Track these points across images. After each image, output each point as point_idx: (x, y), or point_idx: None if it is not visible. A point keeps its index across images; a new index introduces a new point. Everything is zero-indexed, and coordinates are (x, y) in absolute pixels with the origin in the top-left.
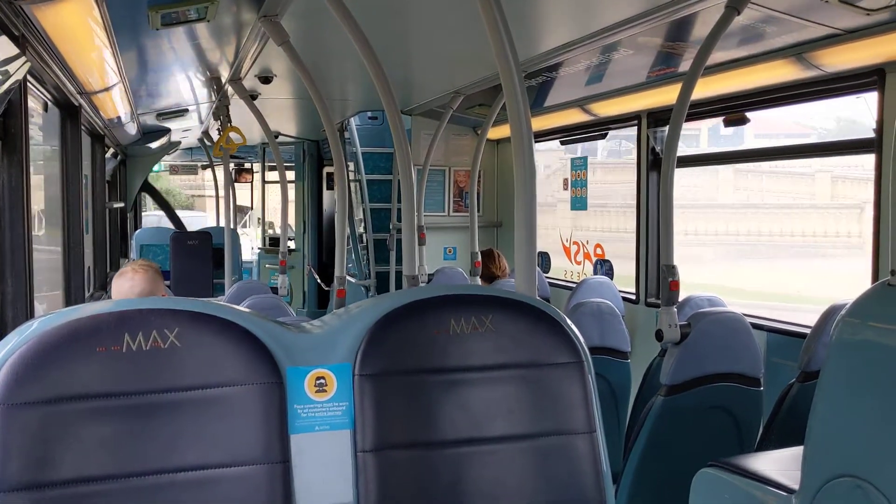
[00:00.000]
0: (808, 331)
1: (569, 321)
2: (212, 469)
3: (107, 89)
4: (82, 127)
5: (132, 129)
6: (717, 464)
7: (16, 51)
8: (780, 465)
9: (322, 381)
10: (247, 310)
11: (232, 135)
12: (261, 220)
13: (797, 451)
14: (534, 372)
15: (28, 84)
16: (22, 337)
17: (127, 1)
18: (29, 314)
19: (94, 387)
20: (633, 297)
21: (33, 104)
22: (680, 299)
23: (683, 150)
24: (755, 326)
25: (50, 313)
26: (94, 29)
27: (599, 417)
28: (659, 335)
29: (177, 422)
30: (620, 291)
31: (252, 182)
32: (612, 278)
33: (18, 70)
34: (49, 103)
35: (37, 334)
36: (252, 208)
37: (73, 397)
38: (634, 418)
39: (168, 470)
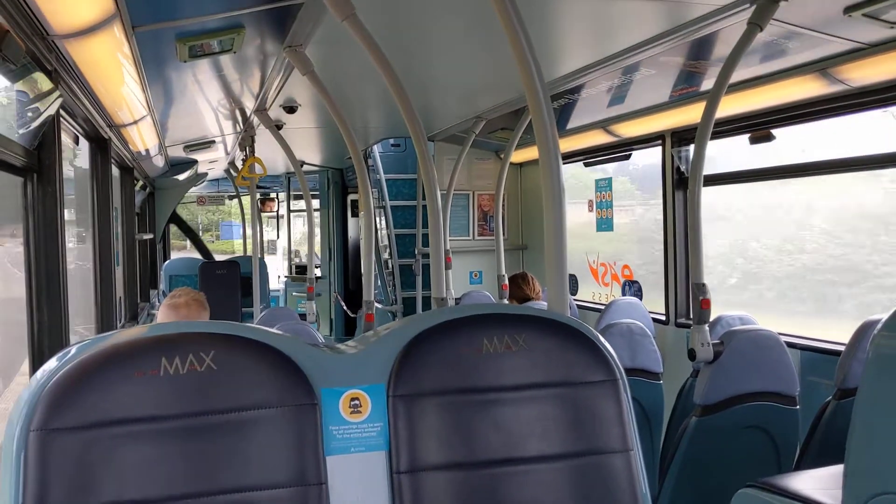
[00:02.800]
0: (842, 348)
1: (602, 339)
2: (249, 492)
3: (135, 122)
4: (112, 160)
5: (160, 161)
6: (757, 484)
7: (49, 85)
8: (820, 484)
9: (357, 402)
10: (281, 332)
11: (256, 165)
12: (287, 249)
13: (837, 469)
14: (568, 390)
15: (60, 118)
16: (61, 362)
17: (155, 34)
18: (65, 343)
19: (132, 411)
20: (663, 318)
21: (65, 138)
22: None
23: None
24: (788, 344)
25: (87, 338)
26: (123, 63)
27: (636, 436)
28: (691, 354)
29: (214, 445)
30: (650, 312)
31: (277, 211)
32: (641, 299)
33: (52, 104)
34: (80, 136)
35: (75, 360)
36: (278, 237)
37: (111, 422)
38: (669, 440)
39: (206, 493)
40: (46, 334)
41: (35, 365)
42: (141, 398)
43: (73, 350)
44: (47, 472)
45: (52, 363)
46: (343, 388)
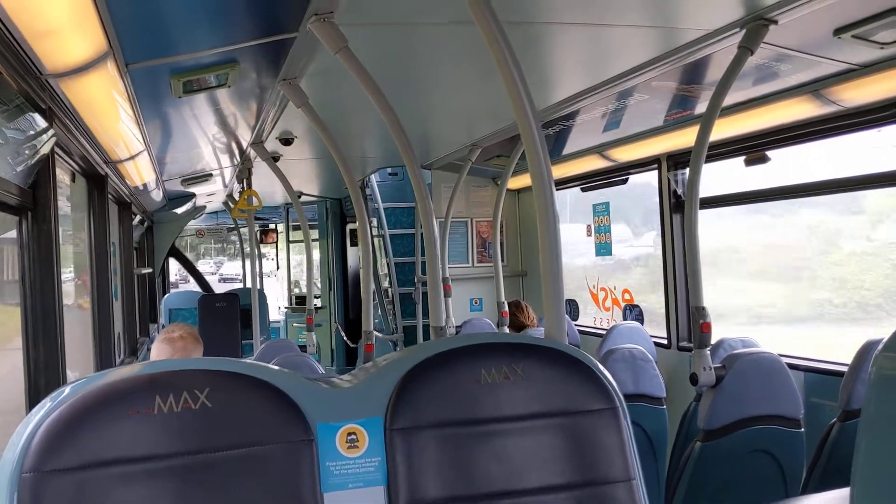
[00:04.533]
0: (845, 368)
1: (600, 366)
2: None
3: (132, 158)
4: (109, 195)
5: (158, 195)
6: None
7: (44, 124)
8: None
9: (353, 436)
10: (275, 367)
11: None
12: (286, 280)
13: (844, 492)
14: (568, 420)
15: (56, 155)
16: (55, 403)
17: (149, 71)
18: (62, 381)
19: (127, 451)
20: (665, 342)
21: (61, 175)
22: (712, 341)
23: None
24: (791, 366)
25: (81, 378)
26: (117, 100)
27: (638, 465)
28: (693, 379)
29: (210, 483)
30: (651, 336)
31: (277, 242)
32: (642, 323)
33: (46, 143)
34: (76, 174)
35: (69, 400)
36: (278, 268)
37: (106, 462)
38: (674, 466)
39: None
40: (42, 372)
41: (31, 404)
42: (135, 438)
43: (67, 390)
44: None
45: (45, 403)
46: (339, 423)
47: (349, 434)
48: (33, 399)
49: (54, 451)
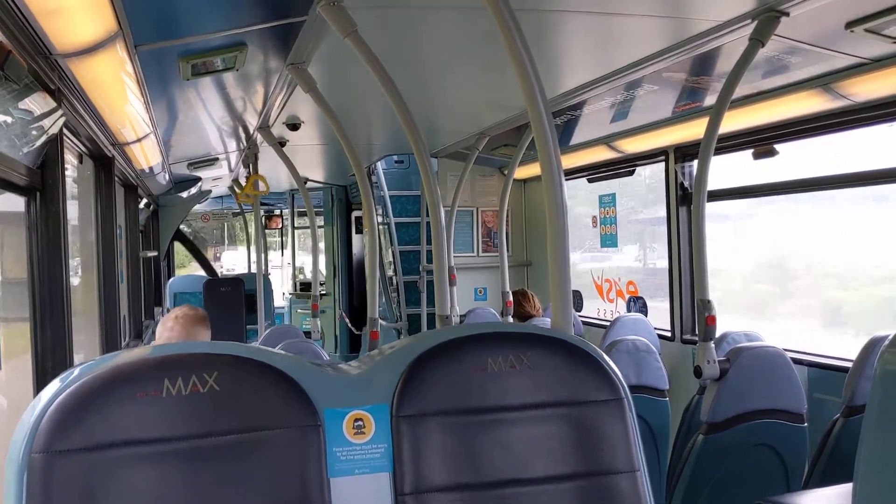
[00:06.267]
0: (849, 364)
1: (607, 357)
2: None
3: (139, 140)
4: (115, 178)
5: (163, 178)
6: (765, 503)
7: (52, 104)
8: (829, 503)
9: (360, 422)
10: (284, 352)
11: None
12: (291, 265)
13: (846, 488)
14: (573, 410)
15: (63, 136)
16: (64, 384)
17: (158, 53)
18: (69, 363)
19: (135, 433)
20: (669, 334)
21: (68, 156)
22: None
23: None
24: (795, 361)
25: (90, 360)
26: (126, 81)
27: (642, 456)
28: (697, 371)
29: (218, 467)
30: (655, 328)
31: (282, 228)
32: (646, 315)
33: (55, 123)
34: (83, 155)
35: (78, 381)
36: (282, 254)
37: (114, 444)
38: (676, 458)
39: None
40: (50, 354)
41: (39, 386)
42: (143, 420)
43: (76, 371)
44: (50, 495)
45: (54, 384)
46: (347, 409)
47: (356, 420)
48: (41, 380)
49: (63, 431)
